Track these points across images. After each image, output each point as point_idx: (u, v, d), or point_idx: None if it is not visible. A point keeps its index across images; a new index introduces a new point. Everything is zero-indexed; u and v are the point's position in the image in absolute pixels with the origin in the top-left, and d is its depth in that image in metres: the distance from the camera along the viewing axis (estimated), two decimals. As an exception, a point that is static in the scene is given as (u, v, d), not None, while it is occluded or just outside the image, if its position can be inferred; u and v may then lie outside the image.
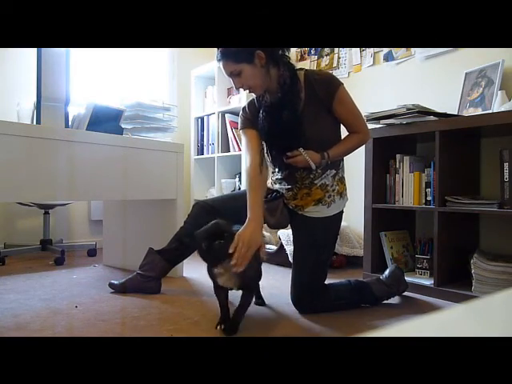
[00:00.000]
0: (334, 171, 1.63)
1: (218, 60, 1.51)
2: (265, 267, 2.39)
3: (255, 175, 1.56)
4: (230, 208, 1.72)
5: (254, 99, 1.69)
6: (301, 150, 1.54)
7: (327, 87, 1.54)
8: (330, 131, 1.61)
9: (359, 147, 1.67)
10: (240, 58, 1.47)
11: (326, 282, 1.66)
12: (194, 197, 3.52)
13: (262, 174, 1.59)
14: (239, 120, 1.71)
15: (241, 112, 1.71)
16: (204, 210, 1.73)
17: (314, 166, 1.56)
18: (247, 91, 1.60)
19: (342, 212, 1.69)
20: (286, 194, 1.66)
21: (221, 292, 1.43)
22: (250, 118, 1.66)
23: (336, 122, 1.61)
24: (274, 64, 1.53)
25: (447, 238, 1.88)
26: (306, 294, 1.61)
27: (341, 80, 1.60)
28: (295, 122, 1.54)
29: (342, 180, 1.68)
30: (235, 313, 1.40)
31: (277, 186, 1.71)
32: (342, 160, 1.70)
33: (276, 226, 1.68)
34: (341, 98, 1.55)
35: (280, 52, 1.55)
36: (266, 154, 1.65)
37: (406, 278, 1.81)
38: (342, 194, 1.67)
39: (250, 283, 1.43)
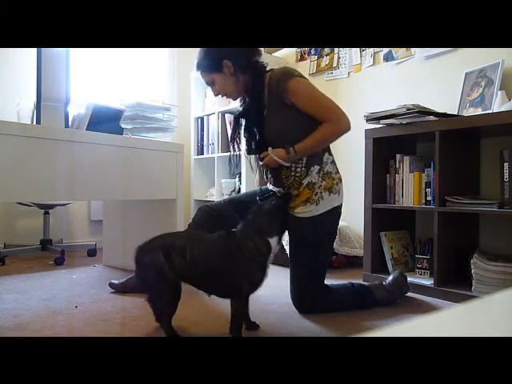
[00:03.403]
0: (317, 167, 1.60)
1: (196, 71, 1.65)
2: (265, 267, 2.38)
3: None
4: (231, 211, 1.76)
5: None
6: (269, 149, 1.58)
7: (278, 82, 1.53)
8: (295, 126, 1.56)
9: (335, 137, 1.58)
10: (210, 68, 1.58)
11: (328, 283, 1.66)
12: (194, 197, 3.52)
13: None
14: None
15: None
16: (207, 214, 1.77)
17: (283, 163, 1.57)
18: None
19: (335, 209, 1.63)
20: (278, 195, 1.66)
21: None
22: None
23: (303, 116, 1.55)
24: (243, 71, 1.57)
25: (447, 237, 1.88)
26: (304, 294, 1.60)
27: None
28: (259, 125, 1.58)
29: (328, 175, 1.61)
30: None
31: (271, 187, 1.73)
32: (327, 154, 1.63)
33: None
34: (293, 91, 1.52)
35: (249, 59, 1.58)
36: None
37: (405, 278, 1.81)
38: (331, 189, 1.60)
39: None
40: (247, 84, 1.59)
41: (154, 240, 1.34)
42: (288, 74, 1.55)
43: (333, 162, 1.66)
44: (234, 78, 1.57)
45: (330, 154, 1.66)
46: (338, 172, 1.68)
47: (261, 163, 1.65)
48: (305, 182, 1.59)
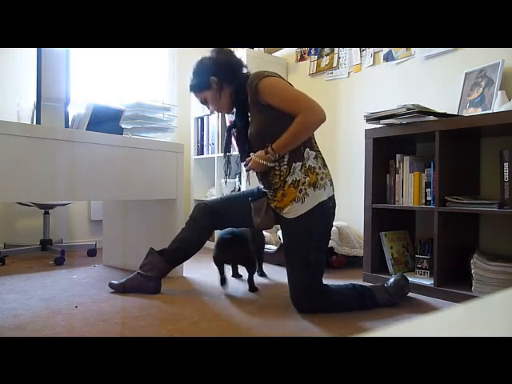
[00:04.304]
0: (299, 163, 1.59)
1: (190, 92, 1.78)
2: (265, 267, 2.38)
3: None
4: (228, 209, 1.80)
5: None
6: (251, 154, 1.63)
7: (251, 85, 1.58)
8: (273, 125, 1.58)
9: (308, 128, 1.57)
10: (200, 87, 1.72)
11: (328, 284, 1.66)
12: (194, 197, 3.52)
13: None
14: None
15: None
16: (204, 212, 1.80)
17: (266, 163, 1.59)
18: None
19: (322, 205, 1.59)
20: (269, 194, 1.67)
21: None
22: None
23: (281, 115, 1.56)
24: (228, 84, 1.69)
25: (447, 237, 1.88)
26: (302, 293, 1.60)
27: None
28: (246, 132, 1.67)
29: (311, 170, 1.59)
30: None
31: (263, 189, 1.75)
32: (308, 149, 1.61)
33: (261, 225, 1.68)
34: (263, 91, 1.56)
35: (232, 72, 1.68)
36: None
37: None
38: (316, 184, 1.58)
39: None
40: (231, 94, 1.70)
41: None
42: (258, 76, 1.59)
43: (316, 158, 1.63)
44: (222, 92, 1.69)
45: (313, 149, 1.64)
46: (323, 167, 1.64)
47: (245, 168, 1.69)
48: (289, 180, 1.59)
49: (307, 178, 1.58)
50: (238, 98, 1.68)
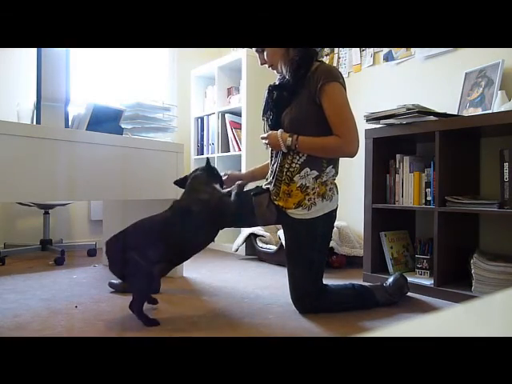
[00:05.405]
0: (315, 173, 1.59)
1: None
2: (265, 267, 2.39)
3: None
4: None
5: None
6: (279, 131, 1.60)
7: (319, 78, 1.53)
8: (309, 125, 1.57)
9: (335, 152, 1.59)
10: None
11: (329, 284, 1.66)
12: (194, 197, 3.52)
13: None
14: None
15: None
16: None
17: (282, 144, 1.57)
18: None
19: (329, 214, 1.63)
20: (271, 191, 1.67)
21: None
22: None
23: (323, 120, 1.55)
24: (295, 47, 1.58)
25: (447, 237, 1.88)
26: (302, 293, 1.60)
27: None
28: (283, 104, 1.61)
29: (325, 183, 1.62)
30: None
31: (265, 182, 1.75)
32: (331, 167, 1.63)
33: (261, 220, 1.68)
34: (328, 93, 1.52)
35: None
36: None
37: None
38: (325, 195, 1.60)
39: None
40: (293, 62, 1.59)
41: None
42: (332, 76, 1.54)
43: (333, 176, 1.66)
44: (284, 50, 1.60)
45: (335, 168, 1.66)
46: (333, 182, 1.68)
47: (263, 135, 1.66)
48: (297, 180, 1.60)
49: (318, 189, 1.60)
50: (299, 67, 1.58)
